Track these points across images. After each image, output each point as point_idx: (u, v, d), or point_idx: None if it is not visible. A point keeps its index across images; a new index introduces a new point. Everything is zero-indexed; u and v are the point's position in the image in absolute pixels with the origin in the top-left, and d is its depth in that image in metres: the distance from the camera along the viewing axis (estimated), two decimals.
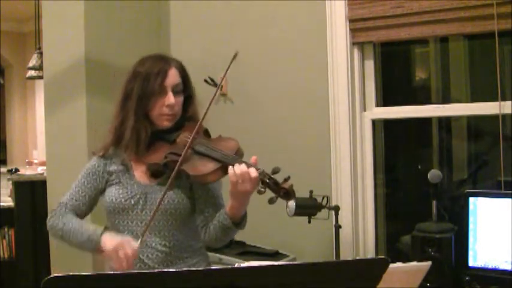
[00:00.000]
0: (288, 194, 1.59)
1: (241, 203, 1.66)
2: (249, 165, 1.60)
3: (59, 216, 1.80)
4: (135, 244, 1.62)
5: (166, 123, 1.78)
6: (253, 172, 1.58)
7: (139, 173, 1.81)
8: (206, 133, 1.82)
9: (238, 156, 1.68)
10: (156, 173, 1.78)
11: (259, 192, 1.59)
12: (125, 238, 1.66)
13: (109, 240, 1.66)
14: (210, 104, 1.72)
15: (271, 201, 1.58)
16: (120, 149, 1.81)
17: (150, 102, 1.75)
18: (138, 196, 1.77)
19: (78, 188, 1.84)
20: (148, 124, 1.78)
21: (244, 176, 1.58)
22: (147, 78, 1.75)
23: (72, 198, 1.83)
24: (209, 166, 1.65)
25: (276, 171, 1.60)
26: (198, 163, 1.67)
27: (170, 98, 1.75)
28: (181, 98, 1.80)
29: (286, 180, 1.59)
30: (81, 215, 1.84)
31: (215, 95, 1.77)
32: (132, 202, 1.76)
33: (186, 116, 1.83)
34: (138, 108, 1.76)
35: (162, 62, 1.78)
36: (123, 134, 1.78)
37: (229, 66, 1.73)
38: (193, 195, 1.80)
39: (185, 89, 1.82)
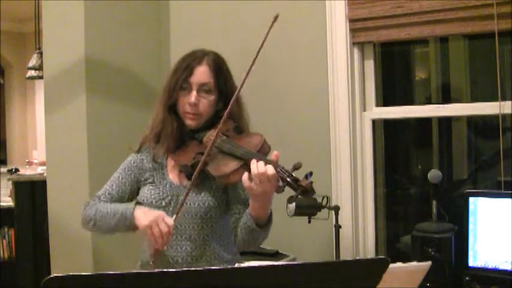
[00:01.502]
0: (306, 191, 1.51)
1: (263, 204, 1.58)
2: (267, 162, 1.52)
3: (91, 206, 1.76)
4: (170, 220, 1.57)
5: (189, 122, 1.73)
6: (270, 170, 1.50)
7: (173, 173, 1.77)
8: (236, 129, 1.74)
9: (262, 152, 1.61)
10: (188, 174, 1.71)
11: (278, 191, 1.52)
12: (158, 213, 1.61)
13: (142, 216, 1.61)
14: (236, 95, 1.66)
15: (290, 200, 1.53)
16: (154, 144, 1.78)
17: (174, 97, 1.71)
18: (169, 198, 1.73)
19: (112, 183, 1.81)
20: (175, 120, 1.73)
21: (261, 176, 1.50)
22: (175, 72, 1.72)
23: (105, 192, 1.80)
24: (231, 165, 1.58)
25: (297, 167, 1.53)
26: (221, 162, 1.61)
27: (192, 97, 1.69)
28: (210, 98, 1.72)
29: (306, 177, 1.52)
30: None
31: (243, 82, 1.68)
32: (163, 204, 1.72)
33: (221, 115, 1.70)
34: (166, 101, 1.73)
35: (193, 57, 1.72)
36: (154, 127, 1.76)
37: (269, 31, 1.67)
38: (227, 198, 1.74)
39: (219, 88, 1.74)
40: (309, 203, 2.37)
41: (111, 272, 1.01)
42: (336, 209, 2.42)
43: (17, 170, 5.25)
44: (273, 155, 1.57)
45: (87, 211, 1.76)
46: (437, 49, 2.97)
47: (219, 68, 1.75)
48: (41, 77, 4.14)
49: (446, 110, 2.68)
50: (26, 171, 4.93)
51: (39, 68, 4.43)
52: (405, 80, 3.18)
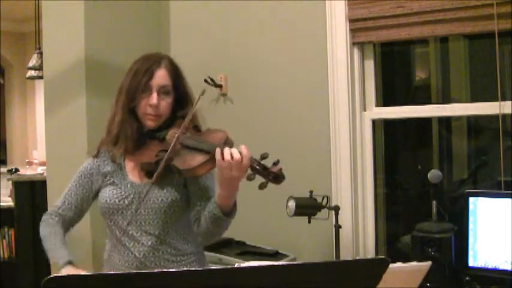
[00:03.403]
0: (278, 177, 1.57)
1: (230, 191, 1.63)
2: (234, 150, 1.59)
3: (45, 226, 1.85)
4: None
5: (149, 123, 1.78)
6: (238, 154, 1.56)
7: (133, 173, 1.81)
8: (195, 128, 1.81)
9: (227, 145, 1.65)
10: (150, 172, 1.77)
11: (249, 179, 1.57)
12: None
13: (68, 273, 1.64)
14: (196, 102, 1.74)
15: (261, 186, 1.56)
16: (111, 147, 1.82)
17: (136, 99, 1.76)
18: (131, 196, 1.77)
19: (71, 191, 1.87)
20: (134, 121, 1.79)
21: (231, 163, 1.56)
22: (135, 75, 1.77)
23: (64, 201, 1.86)
24: (198, 159, 1.64)
25: (264, 156, 1.59)
26: (187, 157, 1.67)
27: (153, 99, 1.74)
28: (168, 100, 1.79)
29: (275, 164, 1.58)
30: (74, 218, 1.87)
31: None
32: (126, 202, 1.77)
33: (178, 115, 1.83)
34: (126, 103, 1.78)
35: (152, 60, 1.78)
36: (112, 129, 1.80)
37: (196, 102, 1.73)
38: (188, 192, 1.80)
39: (176, 90, 1.81)
40: (309, 203, 2.37)
41: (111, 272, 1.01)
42: (336, 209, 2.42)
43: (17, 170, 5.25)
44: (241, 147, 1.61)
45: (40, 228, 1.87)
46: (437, 49, 2.97)
47: (176, 70, 1.82)
48: (41, 77, 4.14)
49: (446, 110, 2.68)
50: (26, 171, 4.93)
51: (39, 68, 4.43)
52: (405, 80, 3.18)
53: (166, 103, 1.78)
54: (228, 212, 1.68)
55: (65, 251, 1.74)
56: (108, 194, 1.78)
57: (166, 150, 1.69)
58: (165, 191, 1.76)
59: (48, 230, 1.83)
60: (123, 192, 1.78)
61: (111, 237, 1.84)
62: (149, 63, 1.77)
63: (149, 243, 1.75)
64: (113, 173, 1.82)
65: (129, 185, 1.80)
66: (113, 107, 1.82)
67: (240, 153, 1.57)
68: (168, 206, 1.76)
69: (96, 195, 1.85)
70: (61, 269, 1.66)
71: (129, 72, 1.80)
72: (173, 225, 1.78)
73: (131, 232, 1.76)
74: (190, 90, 1.86)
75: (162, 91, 1.77)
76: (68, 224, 1.87)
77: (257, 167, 1.58)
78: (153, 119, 1.78)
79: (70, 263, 1.69)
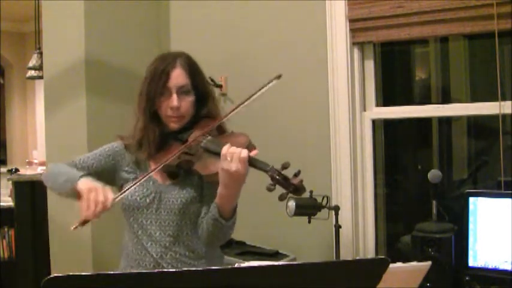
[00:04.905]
0: (298, 189, 1.52)
1: (231, 191, 1.61)
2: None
3: (56, 164, 1.81)
4: (111, 194, 1.58)
5: (173, 125, 1.76)
6: (243, 152, 1.54)
7: (156, 173, 1.77)
8: (219, 129, 1.78)
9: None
10: (172, 174, 1.77)
11: (269, 190, 1.53)
12: (103, 187, 1.60)
13: (86, 182, 1.61)
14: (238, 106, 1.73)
15: (281, 197, 1.52)
16: (136, 151, 1.80)
17: (156, 103, 1.74)
18: (153, 195, 1.76)
19: (90, 156, 1.83)
20: (157, 125, 1.76)
21: (233, 154, 1.54)
22: (152, 78, 1.74)
23: (81, 161, 1.82)
24: (218, 165, 1.60)
25: (285, 166, 1.54)
26: (208, 162, 1.65)
27: (173, 101, 1.71)
28: (189, 99, 1.75)
29: (296, 175, 1.54)
30: None
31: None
32: (147, 201, 1.75)
33: (201, 114, 1.80)
34: (147, 108, 1.75)
35: (167, 61, 1.74)
36: (136, 135, 1.78)
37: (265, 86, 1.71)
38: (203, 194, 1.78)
39: (196, 88, 1.77)
40: (309, 203, 2.37)
41: (111, 272, 1.01)
42: (336, 209, 2.42)
43: (17, 170, 5.24)
44: (252, 152, 1.60)
45: (50, 165, 1.81)
46: (437, 49, 2.97)
47: (193, 68, 1.78)
48: (41, 77, 4.15)
49: (446, 110, 2.68)
50: (26, 171, 4.93)
51: (39, 68, 4.43)
52: (405, 80, 3.18)
53: (187, 103, 1.75)
54: (226, 216, 1.66)
55: (74, 171, 1.70)
56: (129, 190, 1.73)
57: (188, 153, 1.68)
58: (184, 191, 1.75)
59: (58, 164, 1.80)
60: (144, 190, 1.76)
61: (129, 232, 1.81)
62: (164, 64, 1.73)
63: (166, 243, 1.74)
64: (136, 169, 1.80)
65: (151, 183, 1.77)
66: (136, 112, 1.79)
67: (241, 151, 1.55)
68: (187, 207, 1.74)
69: (113, 176, 1.81)
70: (78, 179, 1.61)
71: (146, 76, 1.77)
72: (191, 225, 1.76)
73: (149, 231, 1.74)
74: (209, 86, 1.83)
75: (181, 91, 1.73)
76: None
77: (277, 177, 1.53)
78: (176, 121, 1.75)
79: (89, 175, 1.67)
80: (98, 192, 1.56)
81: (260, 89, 1.72)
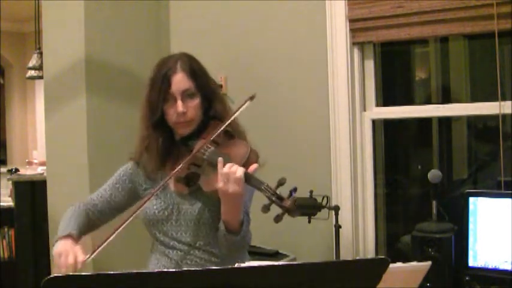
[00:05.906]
0: (290, 211, 1.48)
1: (231, 207, 1.57)
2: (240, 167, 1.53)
3: (69, 210, 1.79)
4: (82, 257, 1.57)
5: (182, 131, 1.70)
6: (239, 172, 1.51)
7: (172, 182, 1.74)
8: (227, 134, 1.73)
9: (250, 161, 1.59)
10: (187, 182, 1.70)
11: (263, 211, 1.49)
12: (75, 248, 1.60)
13: (60, 245, 1.61)
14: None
15: (277, 219, 1.48)
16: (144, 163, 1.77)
17: (159, 111, 1.68)
18: (171, 207, 1.72)
19: (106, 186, 1.81)
20: (162, 134, 1.72)
21: (228, 175, 1.50)
22: (153, 86, 1.69)
23: (99, 194, 1.81)
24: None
25: (281, 182, 1.50)
26: (211, 177, 1.59)
27: (179, 107, 1.65)
28: (195, 102, 1.69)
29: (291, 193, 1.49)
30: (102, 210, 1.80)
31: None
32: (166, 214, 1.72)
33: (209, 115, 1.73)
34: (150, 117, 1.71)
35: (167, 67, 1.68)
36: (137, 146, 1.76)
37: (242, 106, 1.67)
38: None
39: (200, 89, 1.70)
40: (309, 203, 2.36)
41: (111, 272, 1.01)
42: (336, 209, 2.42)
43: (17, 170, 5.24)
44: (251, 167, 1.56)
45: (67, 210, 1.80)
46: (437, 49, 2.97)
47: (195, 69, 1.71)
48: (41, 77, 4.14)
49: (446, 110, 2.68)
50: (26, 171, 4.92)
51: (39, 68, 4.43)
52: (405, 80, 3.18)
53: (193, 106, 1.68)
54: (235, 231, 1.61)
55: (71, 226, 1.68)
56: (148, 205, 1.70)
57: (195, 164, 1.64)
58: (200, 202, 1.71)
59: (68, 212, 1.78)
60: (162, 203, 1.73)
61: (152, 239, 1.80)
62: (164, 69, 1.67)
63: (185, 249, 1.71)
64: (153, 182, 1.76)
65: (169, 195, 1.74)
66: (140, 123, 1.75)
67: (238, 168, 1.51)
68: (205, 216, 1.70)
69: (134, 195, 1.79)
70: (58, 240, 1.63)
71: (148, 84, 1.72)
72: (210, 232, 1.71)
73: (171, 244, 1.72)
74: (215, 85, 1.77)
75: (186, 95, 1.67)
76: (93, 213, 1.81)
77: (272, 198, 1.49)
78: (185, 126, 1.69)
79: (69, 235, 1.64)
80: (67, 256, 1.57)
81: (234, 113, 1.69)
